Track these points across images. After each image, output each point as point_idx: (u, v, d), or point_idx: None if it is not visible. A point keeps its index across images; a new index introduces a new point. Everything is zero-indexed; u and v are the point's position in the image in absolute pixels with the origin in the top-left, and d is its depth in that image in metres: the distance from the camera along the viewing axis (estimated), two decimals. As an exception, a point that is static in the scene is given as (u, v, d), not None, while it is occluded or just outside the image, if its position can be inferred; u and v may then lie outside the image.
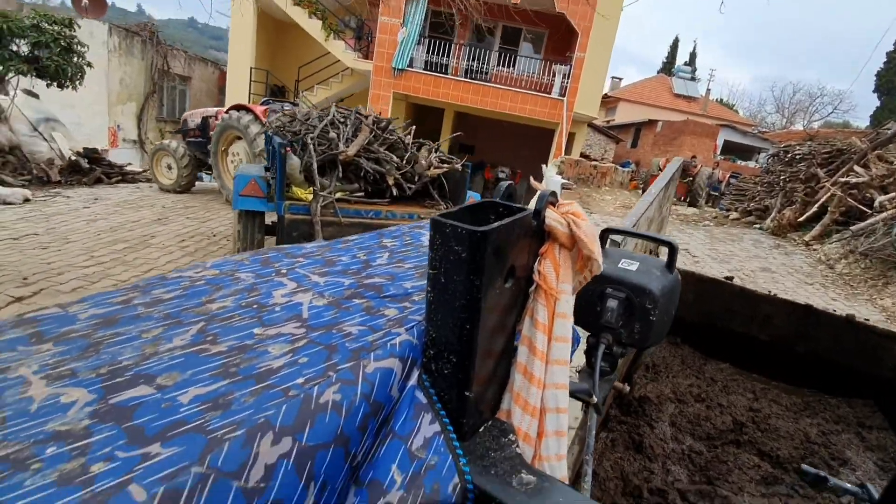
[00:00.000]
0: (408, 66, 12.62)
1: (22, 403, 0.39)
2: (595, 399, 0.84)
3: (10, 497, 0.31)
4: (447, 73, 12.73)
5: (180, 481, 0.32)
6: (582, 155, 16.77)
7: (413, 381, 0.49)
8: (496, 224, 0.46)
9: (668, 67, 41.23)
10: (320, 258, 0.72)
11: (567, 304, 0.57)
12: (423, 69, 12.58)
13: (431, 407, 0.48)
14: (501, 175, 15.43)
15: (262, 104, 7.66)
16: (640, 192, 15.78)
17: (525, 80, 13.17)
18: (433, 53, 12.60)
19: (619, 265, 0.87)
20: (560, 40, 13.62)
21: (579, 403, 0.87)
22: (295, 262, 0.70)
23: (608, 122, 31.31)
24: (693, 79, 32.87)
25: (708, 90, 31.23)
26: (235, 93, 12.96)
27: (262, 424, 0.37)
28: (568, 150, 15.13)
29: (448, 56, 12.67)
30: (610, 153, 22.81)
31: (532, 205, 0.56)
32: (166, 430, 0.36)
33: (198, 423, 0.37)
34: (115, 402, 0.39)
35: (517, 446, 0.52)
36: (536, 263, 0.56)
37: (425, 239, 0.80)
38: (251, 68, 12.85)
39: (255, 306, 0.56)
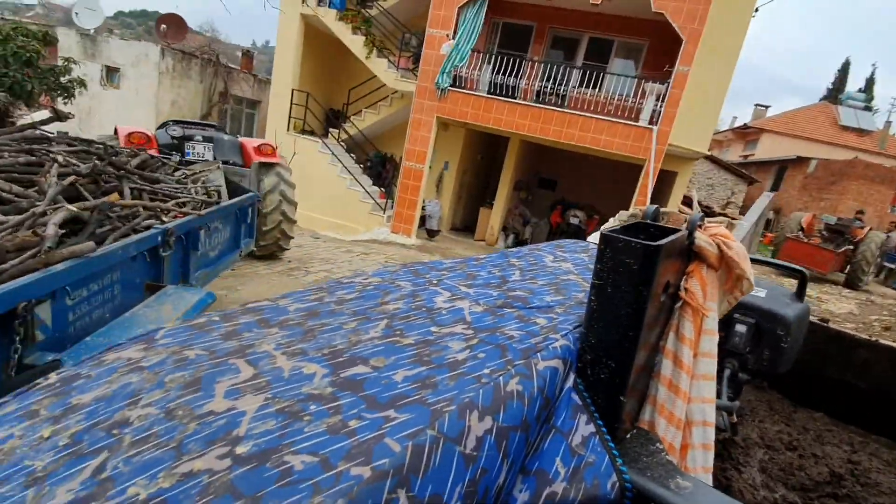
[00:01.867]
0: (455, 86, 10.54)
1: (276, 372, 0.49)
2: (733, 418, 0.86)
3: (298, 439, 0.40)
4: (515, 96, 10.33)
5: (421, 440, 0.40)
6: (687, 202, 13.05)
7: (569, 384, 0.53)
8: (668, 238, 0.51)
9: (834, 94, 33.61)
10: (462, 272, 0.81)
11: (713, 321, 0.60)
12: (489, 92, 10.32)
13: (586, 409, 0.52)
14: (574, 220, 12.44)
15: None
16: (771, 251, 11.54)
17: (616, 104, 10.22)
18: (501, 73, 10.31)
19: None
20: (664, 53, 10.46)
21: None
22: (441, 274, 0.79)
23: (746, 157, 25.86)
24: (868, 108, 25.87)
25: (888, 123, 24.17)
26: (276, 117, 12.04)
27: (468, 403, 0.43)
28: (664, 194, 11.68)
29: (519, 75, 10.28)
30: (739, 196, 18.18)
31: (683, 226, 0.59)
32: (395, 400, 0.45)
33: (417, 397, 0.45)
34: (345, 376, 0.48)
35: (667, 455, 0.53)
36: (683, 282, 0.60)
37: (548, 259, 0.88)
38: (293, 90, 11.84)
39: (423, 309, 0.64)
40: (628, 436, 0.56)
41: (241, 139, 5.43)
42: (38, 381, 0.51)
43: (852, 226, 10.10)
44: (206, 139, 5.05)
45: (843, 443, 1.79)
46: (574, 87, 10.41)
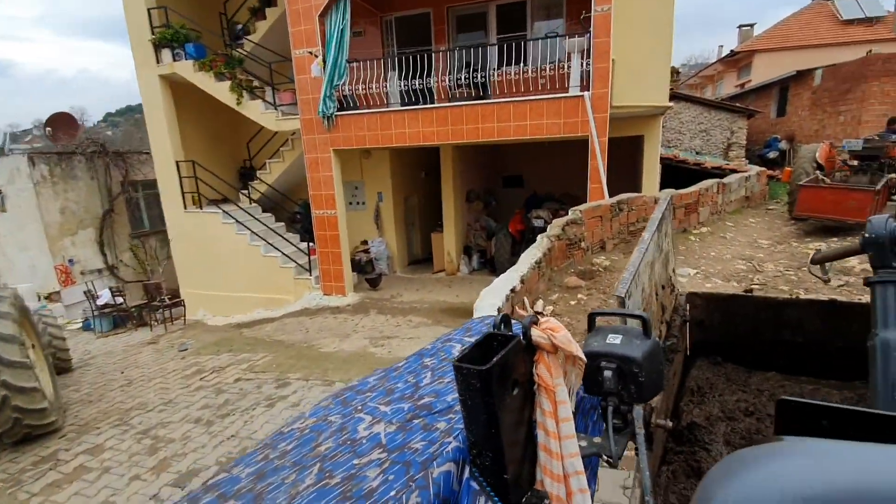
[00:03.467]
0: (348, 108, 8.65)
1: None
2: (611, 455, 0.95)
3: None
4: (429, 101, 8.31)
5: None
6: (666, 161, 10.75)
7: (467, 473, 0.63)
8: (494, 360, 0.61)
9: (827, -11, 29.90)
10: (382, 389, 0.87)
11: (563, 393, 0.73)
12: (405, 102, 8.31)
13: (483, 491, 0.62)
14: (538, 222, 10.26)
15: None
16: (788, 194, 9.04)
17: (549, 76, 8.04)
18: (408, 77, 8.26)
19: (607, 341, 1.02)
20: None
21: (631, 446, 1.04)
22: (365, 397, 0.85)
23: (742, 85, 22.91)
24: (870, -8, 22.49)
25: (901, 0, 20.76)
26: (169, 195, 10.43)
27: None
28: (636, 161, 9.44)
29: (429, 73, 8.23)
30: (741, 135, 15.50)
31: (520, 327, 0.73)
32: None
33: None
34: None
35: None
36: (534, 368, 0.73)
37: (456, 349, 0.94)
38: (177, 163, 10.19)
39: (349, 442, 0.72)
40: (524, 499, 0.67)
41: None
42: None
43: (887, 143, 7.56)
44: None
45: (796, 395, 1.47)
46: (494, 70, 8.29)
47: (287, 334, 7.15)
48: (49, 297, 10.51)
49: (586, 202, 7.73)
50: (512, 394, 0.65)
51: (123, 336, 7.85)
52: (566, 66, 7.61)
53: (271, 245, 9.79)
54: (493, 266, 10.61)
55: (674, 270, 2.48)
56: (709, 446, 1.78)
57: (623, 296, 1.45)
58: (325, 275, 9.46)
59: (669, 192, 5.78)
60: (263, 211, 11.00)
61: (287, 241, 9.87)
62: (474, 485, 0.63)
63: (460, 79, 8.38)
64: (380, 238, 11.26)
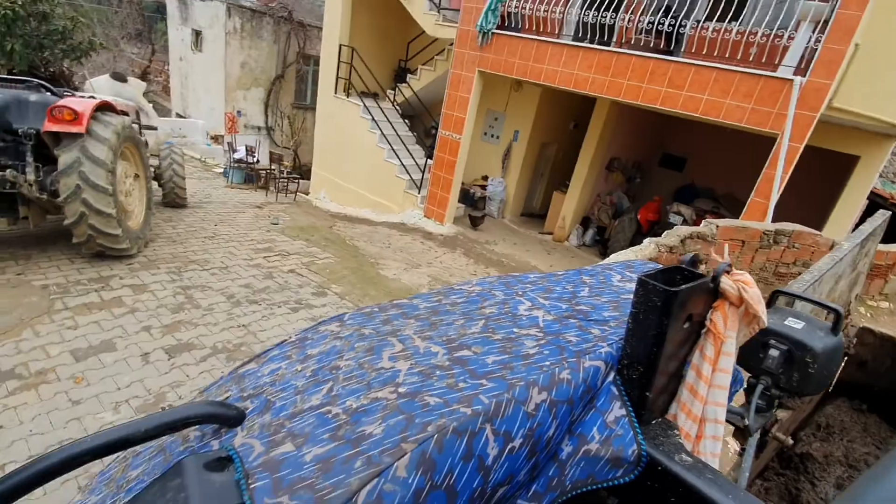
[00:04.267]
0: (510, 28, 7.80)
1: (415, 348, 0.71)
2: (747, 421, 0.96)
3: (430, 389, 0.59)
4: (609, 41, 7.05)
5: (500, 399, 0.57)
6: (877, 199, 8.10)
7: (610, 379, 0.68)
8: (683, 287, 0.64)
9: None
10: (542, 286, 0.95)
11: (731, 345, 0.73)
12: (577, 38, 7.22)
13: (620, 398, 0.67)
14: (675, 219, 8.71)
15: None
16: None
17: (756, 42, 6.26)
18: (593, 7, 7.10)
19: (786, 322, 1.00)
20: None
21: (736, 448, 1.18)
22: (526, 287, 0.94)
23: None
24: None
25: None
26: (327, 77, 10.86)
27: (532, 382, 0.60)
28: (838, 185, 7.28)
29: (615, 10, 6.92)
30: None
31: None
32: (487, 374, 0.63)
33: (500, 374, 0.63)
34: (456, 356, 0.68)
35: (680, 439, 0.70)
36: (710, 313, 0.73)
37: (615, 279, 0.98)
38: (340, 46, 10.42)
39: (510, 314, 0.81)
40: (653, 422, 0.71)
41: (62, 99, 4.18)
42: (286, 339, 0.83)
43: None
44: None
45: None
46: (699, 22, 6.60)
47: (368, 242, 7.21)
48: (215, 140, 11.98)
49: (741, 215, 6.19)
50: (683, 326, 0.68)
51: (245, 192, 8.70)
52: (786, 37, 5.73)
53: (394, 151, 9.78)
54: (605, 247, 9.45)
55: (857, 297, 1.99)
56: (816, 482, 1.67)
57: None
58: (431, 197, 9.27)
59: (885, 213, 4.25)
60: (402, 116, 10.96)
61: (409, 152, 9.75)
62: (614, 389, 0.68)
63: (653, 22, 6.87)
64: (501, 178, 10.63)
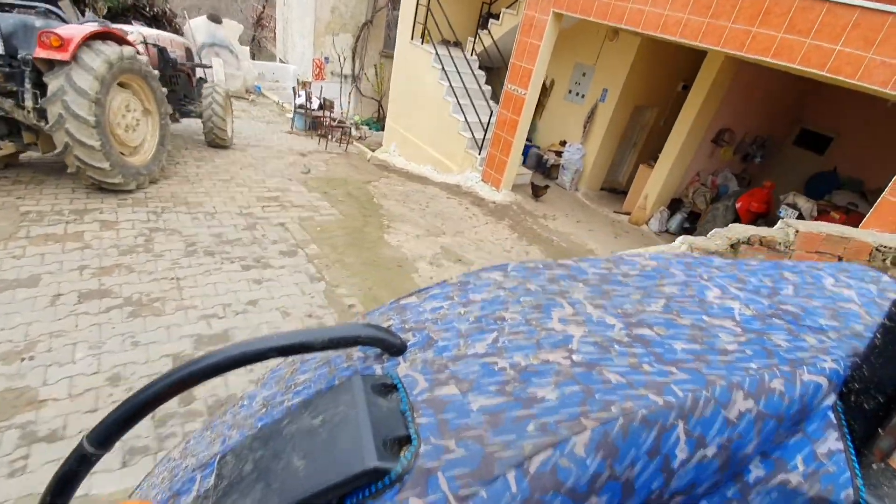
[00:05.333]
0: (587, -40, 6.43)
1: (587, 315, 0.62)
2: None
3: (610, 364, 0.52)
4: None
5: (698, 395, 0.48)
6: None
7: (829, 402, 0.55)
8: None
9: None
10: (733, 275, 0.81)
11: None
12: None
13: (839, 428, 0.54)
14: (785, 213, 6.89)
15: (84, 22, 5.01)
16: None
17: None
18: None
19: None
20: None
21: None
22: (712, 272, 0.80)
23: None
24: None
25: None
26: (406, 21, 10.24)
27: (736, 383, 0.50)
28: None
29: None
30: None
31: None
32: (676, 362, 0.53)
33: (693, 366, 0.52)
34: (636, 333, 0.59)
35: None
36: None
37: (828, 282, 0.82)
38: (418, -12, 9.63)
39: (696, 299, 0.69)
40: (874, 466, 0.57)
41: (62, 26, 4.17)
42: (446, 280, 0.77)
43: None
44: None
45: None
46: None
47: (400, 202, 6.70)
48: (303, 85, 12.15)
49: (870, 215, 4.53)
50: None
51: (301, 139, 8.64)
52: None
53: (460, 106, 8.97)
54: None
55: None
56: None
57: None
58: (490, 160, 8.39)
59: None
60: (480, 67, 10.00)
61: (475, 108, 8.86)
62: (832, 416, 0.55)
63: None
64: (580, 144, 9.29)
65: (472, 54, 10.04)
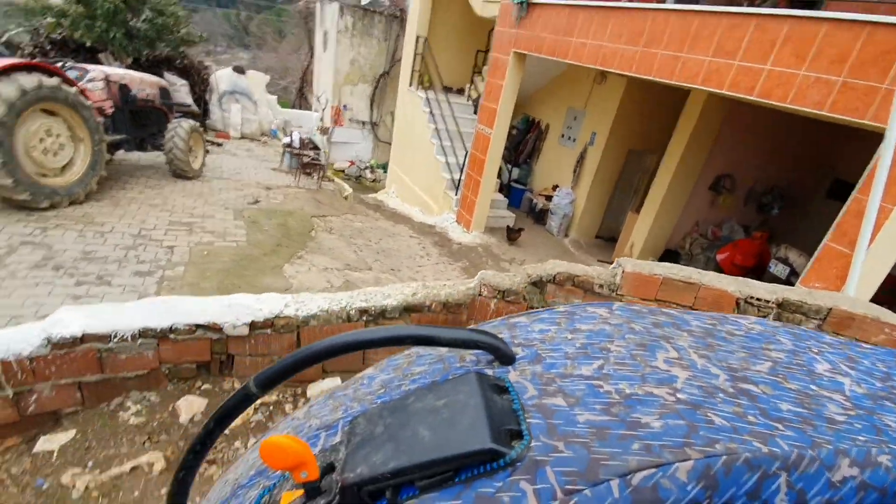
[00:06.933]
0: (542, -3, 6.26)
1: (692, 361, 0.64)
2: None
3: (714, 407, 0.55)
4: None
5: (803, 452, 0.48)
6: None
7: None
8: None
9: None
10: (844, 353, 0.80)
11: None
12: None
13: None
14: (778, 269, 5.93)
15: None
16: None
17: None
18: None
19: None
20: None
21: None
22: (822, 346, 0.80)
23: None
24: None
25: None
26: (406, 70, 10.56)
27: (843, 451, 0.50)
28: None
29: None
30: None
31: None
32: (782, 420, 0.54)
33: (799, 427, 0.53)
34: (741, 387, 0.60)
35: None
36: None
37: None
38: (417, 37, 9.94)
39: (804, 368, 0.69)
40: None
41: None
42: (554, 307, 0.84)
43: None
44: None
45: None
46: None
47: (345, 236, 6.55)
48: (322, 131, 12.79)
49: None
50: None
51: (283, 174, 8.91)
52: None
53: (443, 148, 8.89)
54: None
55: None
56: None
57: None
58: (462, 201, 8.12)
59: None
60: (476, 112, 9.94)
61: (457, 151, 8.70)
62: None
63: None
64: (569, 189, 8.75)
65: (468, 99, 10.05)
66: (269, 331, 2.41)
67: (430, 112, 9.32)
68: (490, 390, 0.55)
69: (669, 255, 7.67)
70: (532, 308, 2.98)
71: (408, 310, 2.68)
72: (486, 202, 7.82)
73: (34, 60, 4.98)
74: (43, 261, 4.23)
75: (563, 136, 9.21)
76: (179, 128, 6.83)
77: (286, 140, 9.19)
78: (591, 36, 5.39)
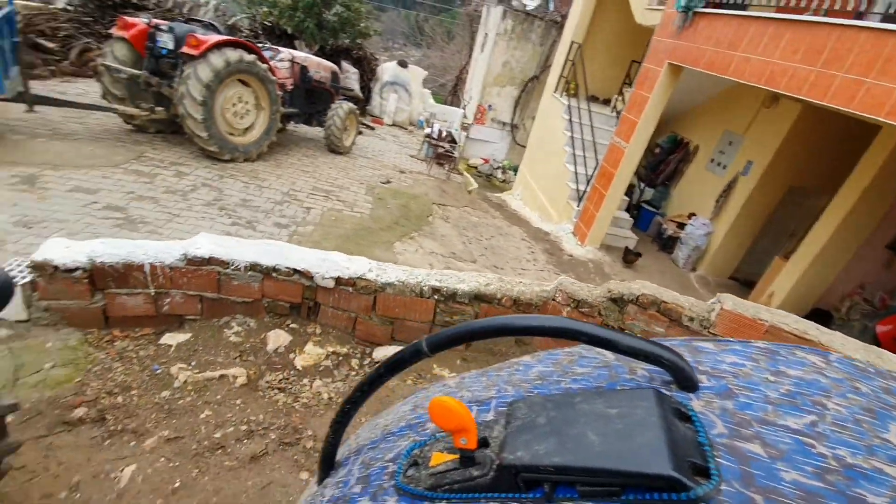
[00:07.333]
0: (709, 5, 5.78)
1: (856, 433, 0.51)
2: None
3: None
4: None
5: None
6: None
7: None
8: None
9: None
10: None
11: None
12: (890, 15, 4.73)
13: None
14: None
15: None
16: None
17: None
18: None
19: None
20: None
21: None
22: None
23: None
24: None
25: None
26: (553, 76, 10.48)
27: None
28: None
29: None
30: None
31: None
32: None
33: None
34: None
35: None
36: None
37: None
38: (571, 43, 9.77)
39: None
40: None
41: (197, 33, 5.69)
42: (750, 341, 0.71)
43: None
44: (169, 30, 5.79)
45: None
46: None
47: (457, 228, 6.80)
48: (463, 127, 13.36)
49: None
50: None
51: (419, 162, 9.50)
52: None
53: (574, 157, 8.68)
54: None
55: None
56: None
57: None
58: (583, 213, 7.85)
59: None
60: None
61: (590, 162, 8.43)
62: None
63: None
64: (707, 220, 7.94)
65: (612, 110, 9.64)
66: (350, 289, 2.67)
67: (570, 119, 9.13)
68: (671, 413, 0.50)
69: (818, 316, 6.53)
70: (607, 325, 2.84)
71: (478, 298, 2.76)
72: (607, 218, 7.46)
73: (240, 39, 6.04)
74: (213, 201, 5.16)
75: (712, 160, 8.35)
76: (340, 108, 7.70)
77: (427, 131, 9.75)
78: (759, 51, 4.83)
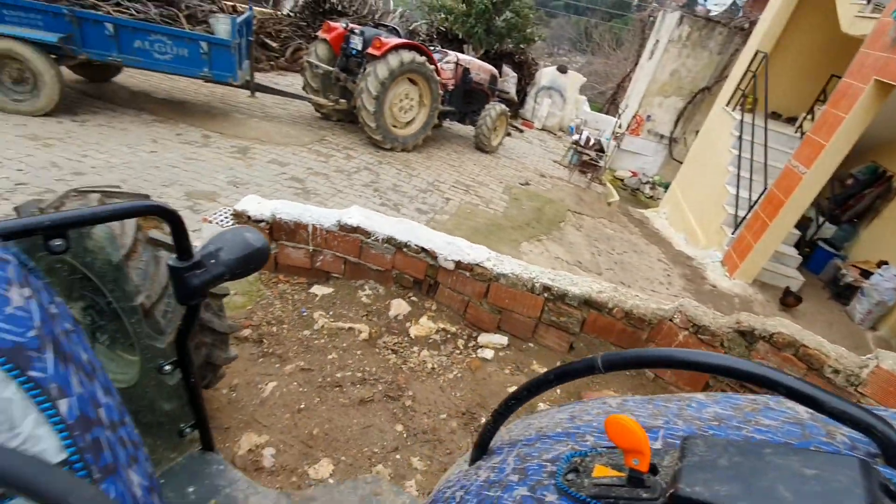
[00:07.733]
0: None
1: None
2: None
3: None
4: None
5: None
6: None
7: None
8: None
9: None
10: None
11: None
12: None
13: None
14: None
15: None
16: None
17: None
18: None
19: None
20: None
21: None
22: None
23: None
24: None
25: None
26: (728, 87, 9.52)
27: None
28: None
29: None
30: None
31: None
32: None
33: None
34: None
35: None
36: None
37: None
38: (756, 52, 8.71)
39: None
40: None
41: (381, 36, 6.47)
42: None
43: None
44: (360, 33, 6.70)
45: None
46: None
47: (589, 239, 6.68)
48: (616, 136, 12.91)
49: None
50: None
51: (562, 169, 9.42)
52: None
53: (738, 178, 7.84)
54: None
55: None
56: None
57: None
58: (738, 241, 7.09)
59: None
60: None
61: (754, 186, 7.52)
62: None
63: None
64: (905, 271, 6.57)
65: (796, 130, 8.44)
66: (468, 273, 2.92)
67: (740, 136, 8.22)
68: (879, 488, 0.46)
69: None
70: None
71: (587, 303, 2.79)
72: (767, 250, 6.62)
73: (415, 42, 6.74)
74: (370, 182, 5.89)
75: (926, 201, 6.83)
76: (493, 110, 8.08)
77: (575, 137, 9.64)
78: None
